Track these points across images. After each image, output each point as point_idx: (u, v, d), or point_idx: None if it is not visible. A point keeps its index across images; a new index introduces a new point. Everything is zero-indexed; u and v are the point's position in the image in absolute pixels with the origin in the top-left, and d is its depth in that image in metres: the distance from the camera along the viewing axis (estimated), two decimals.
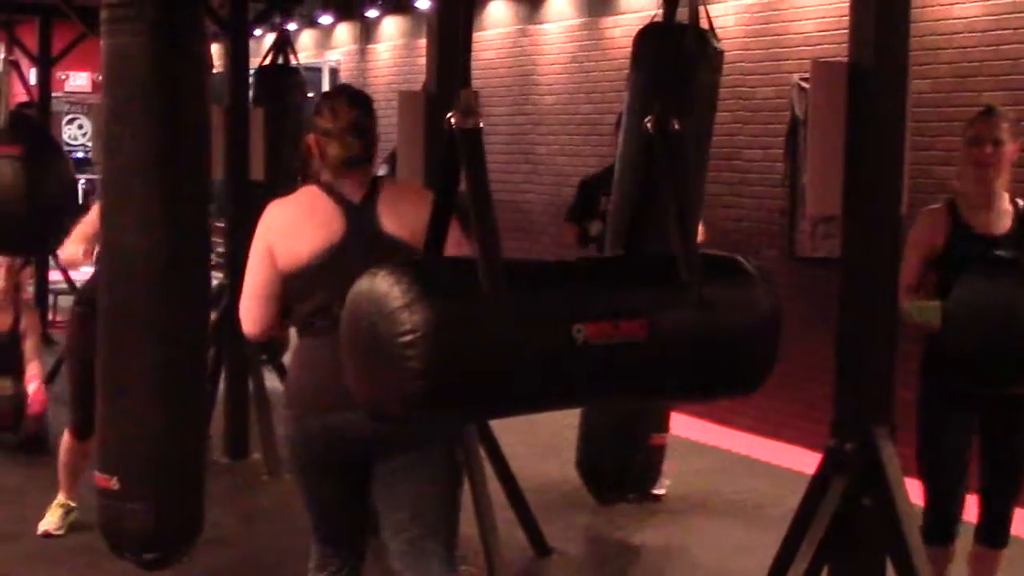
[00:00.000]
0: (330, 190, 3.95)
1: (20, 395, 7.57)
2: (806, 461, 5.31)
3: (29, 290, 7.10)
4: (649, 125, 3.61)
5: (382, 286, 3.17)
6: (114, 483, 4.93)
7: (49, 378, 9.00)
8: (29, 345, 7.67)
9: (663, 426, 6.18)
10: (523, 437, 7.23)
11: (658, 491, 6.84)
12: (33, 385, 7.56)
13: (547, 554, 6.14)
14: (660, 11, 5.84)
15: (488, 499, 5.44)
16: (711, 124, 5.94)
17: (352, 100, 4.01)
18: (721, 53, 5.86)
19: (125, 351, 4.96)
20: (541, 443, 7.72)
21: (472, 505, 5.23)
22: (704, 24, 5.80)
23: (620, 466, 6.13)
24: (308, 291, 3.85)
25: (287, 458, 4.15)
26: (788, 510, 4.34)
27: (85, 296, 5.95)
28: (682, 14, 5.90)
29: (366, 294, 3.23)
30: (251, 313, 3.98)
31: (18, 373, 7.64)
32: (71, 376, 6.11)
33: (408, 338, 3.08)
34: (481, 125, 3.34)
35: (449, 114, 3.32)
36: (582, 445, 6.24)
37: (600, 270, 3.70)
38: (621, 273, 3.61)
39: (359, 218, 3.90)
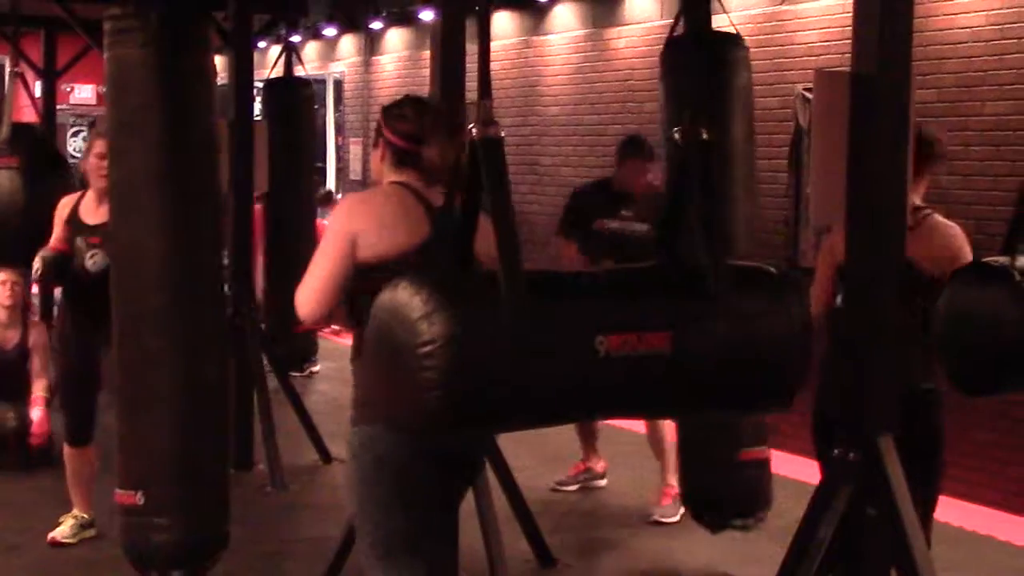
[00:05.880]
0: (414, 192, 3.91)
1: (24, 424, 7.55)
2: (810, 471, 5.29)
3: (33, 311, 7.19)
4: (677, 135, 3.59)
5: (403, 296, 3.16)
6: (138, 498, 4.93)
7: (56, 389, 9.01)
8: (37, 362, 7.67)
9: (760, 439, 5.95)
10: (529, 449, 7.22)
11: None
12: (37, 412, 7.54)
13: (551, 565, 6.13)
14: (666, 22, 5.88)
15: (493, 511, 5.43)
16: (751, 127, 5.98)
17: (438, 106, 4.06)
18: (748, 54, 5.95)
19: (142, 366, 4.96)
20: (547, 455, 7.71)
21: (476, 516, 5.23)
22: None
23: (717, 488, 5.98)
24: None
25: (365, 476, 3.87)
26: (792, 520, 4.32)
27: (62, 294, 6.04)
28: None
29: (387, 304, 3.21)
30: (315, 295, 3.83)
31: (23, 397, 7.63)
32: (59, 382, 6.15)
33: (427, 348, 3.05)
34: (502, 135, 3.32)
35: (470, 125, 3.31)
36: (682, 474, 6.18)
37: (624, 281, 3.63)
38: (645, 284, 3.55)
39: (443, 223, 3.80)
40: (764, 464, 6.02)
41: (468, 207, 3.43)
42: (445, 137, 3.93)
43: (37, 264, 5.80)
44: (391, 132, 3.95)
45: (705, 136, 3.59)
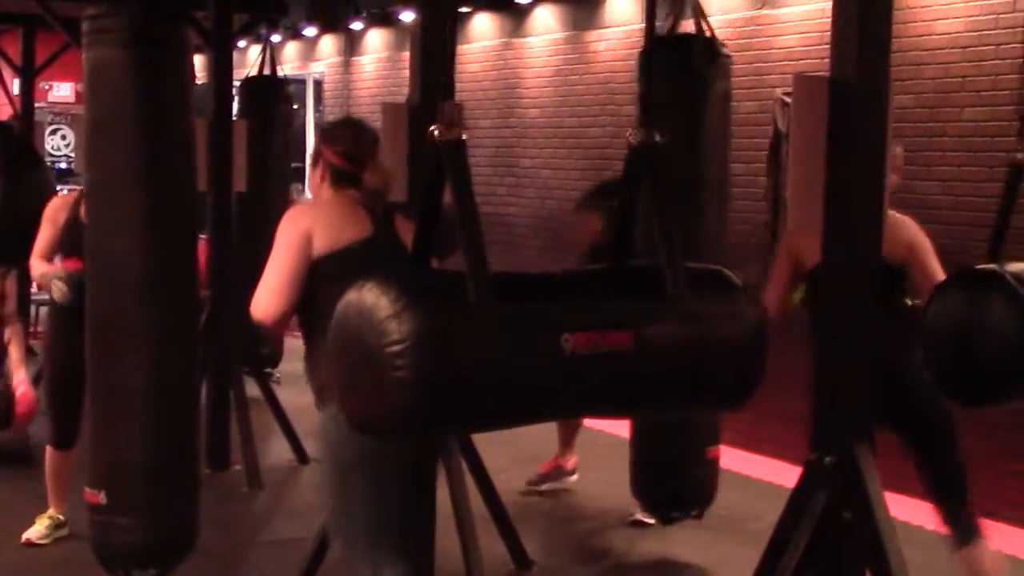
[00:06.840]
0: (356, 200, 4.15)
1: (9, 395, 7.48)
2: (787, 475, 5.31)
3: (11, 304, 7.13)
4: (631, 137, 3.61)
5: (370, 297, 3.16)
6: (102, 498, 4.92)
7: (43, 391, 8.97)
8: (14, 355, 7.60)
9: (716, 439, 6.32)
10: (505, 450, 7.21)
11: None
12: (21, 388, 7.47)
13: (528, 568, 6.13)
14: (644, 26, 5.87)
15: (469, 512, 5.42)
16: (728, 132, 6.07)
17: (375, 135, 4.29)
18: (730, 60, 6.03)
19: (114, 365, 4.95)
20: (523, 456, 7.71)
21: (453, 518, 5.23)
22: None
23: (678, 483, 6.27)
24: (344, 274, 3.70)
25: (343, 463, 4.02)
26: (768, 524, 4.33)
27: (60, 304, 5.92)
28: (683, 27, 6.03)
29: (354, 305, 3.21)
30: (274, 295, 3.99)
31: (5, 377, 7.57)
32: (47, 383, 6.10)
33: (397, 348, 3.06)
34: (464, 137, 3.34)
35: (432, 127, 3.32)
36: (636, 468, 6.38)
37: (586, 281, 3.69)
38: (607, 284, 3.60)
39: (383, 226, 4.13)
40: (718, 461, 6.41)
41: (428, 207, 3.45)
42: (382, 162, 4.25)
43: (63, 288, 5.68)
44: (332, 153, 4.16)
45: (659, 139, 3.63)
